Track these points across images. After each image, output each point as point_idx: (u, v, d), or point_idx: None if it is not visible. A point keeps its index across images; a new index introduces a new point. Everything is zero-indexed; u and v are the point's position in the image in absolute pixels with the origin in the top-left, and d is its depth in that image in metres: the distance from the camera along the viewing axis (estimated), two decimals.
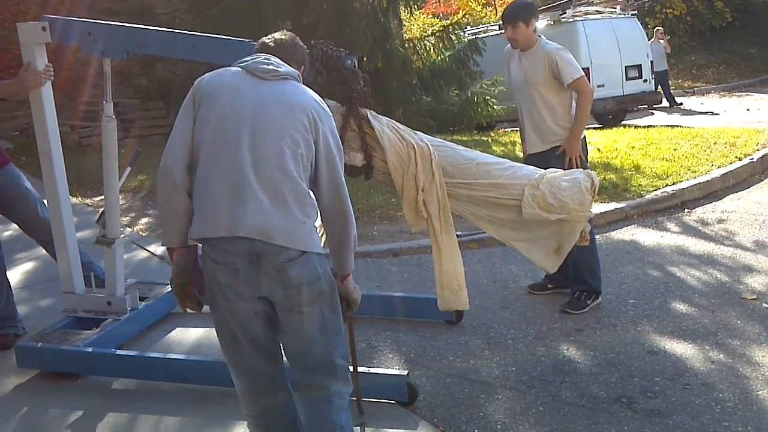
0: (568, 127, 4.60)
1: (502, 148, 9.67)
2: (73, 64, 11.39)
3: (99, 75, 4.09)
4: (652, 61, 14.27)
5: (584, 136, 4.71)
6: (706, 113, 14.77)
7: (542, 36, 4.68)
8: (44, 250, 4.66)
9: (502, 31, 4.76)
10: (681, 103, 16.37)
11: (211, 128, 2.47)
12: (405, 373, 3.49)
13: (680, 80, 19.90)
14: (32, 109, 4.10)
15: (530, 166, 3.93)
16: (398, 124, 3.76)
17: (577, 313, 4.53)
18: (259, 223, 2.36)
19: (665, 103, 15.67)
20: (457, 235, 5.80)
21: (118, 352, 3.98)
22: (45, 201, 4.33)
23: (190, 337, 4.48)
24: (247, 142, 2.42)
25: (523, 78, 4.66)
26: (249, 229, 2.36)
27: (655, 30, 17.30)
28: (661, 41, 16.78)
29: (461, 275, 3.69)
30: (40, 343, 3.97)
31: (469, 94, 12.55)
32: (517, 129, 5.15)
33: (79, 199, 8.22)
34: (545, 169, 4.06)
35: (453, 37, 13.10)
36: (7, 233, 5.91)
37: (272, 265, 2.39)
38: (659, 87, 16.20)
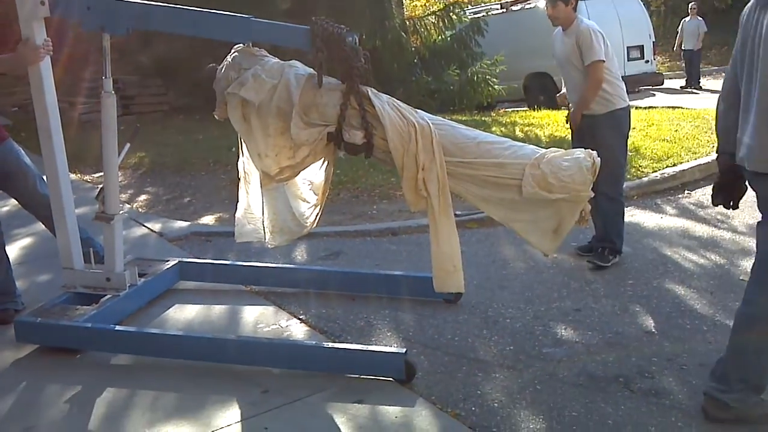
0: (610, 94, 4.86)
1: (503, 128, 9.64)
2: (73, 40, 11.31)
3: (99, 51, 4.06)
4: (654, 42, 14.20)
5: (625, 112, 4.99)
6: None
7: (580, 16, 5.00)
8: (43, 226, 4.66)
9: (506, 9, 5.08)
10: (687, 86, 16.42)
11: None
12: (403, 350, 3.50)
13: (681, 62, 19.76)
14: (31, 85, 4.08)
15: (531, 146, 3.92)
16: (399, 102, 3.75)
17: (602, 264, 4.89)
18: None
19: (666, 84, 15.61)
20: (456, 215, 5.81)
21: (117, 327, 3.99)
22: (44, 177, 4.32)
23: (188, 313, 4.49)
24: None
25: (564, 55, 4.99)
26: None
27: (689, 7, 17.15)
28: (699, 18, 16.62)
29: (457, 256, 3.68)
30: (39, 318, 3.98)
31: (470, 74, 12.50)
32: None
33: (78, 175, 8.21)
34: (591, 134, 4.42)
35: (453, 17, 13.04)
36: (5, 209, 5.91)
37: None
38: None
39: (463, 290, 3.84)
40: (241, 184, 4.27)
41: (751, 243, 5.21)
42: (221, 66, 3.87)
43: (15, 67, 4.22)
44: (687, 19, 16.87)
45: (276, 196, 4.15)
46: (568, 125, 5.22)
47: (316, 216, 4.17)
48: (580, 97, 4.92)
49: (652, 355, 3.67)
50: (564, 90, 5.30)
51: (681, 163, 7.31)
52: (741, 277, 4.62)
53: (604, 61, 4.81)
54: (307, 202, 4.18)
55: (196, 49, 12.07)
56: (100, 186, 4.29)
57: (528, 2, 14.23)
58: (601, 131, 4.83)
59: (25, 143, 4.73)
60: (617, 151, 4.89)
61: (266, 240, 4.21)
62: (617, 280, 4.69)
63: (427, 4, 21.33)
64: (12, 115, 11.92)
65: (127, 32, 3.91)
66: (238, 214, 4.32)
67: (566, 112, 5.28)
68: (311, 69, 3.73)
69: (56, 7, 3.93)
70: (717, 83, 16.79)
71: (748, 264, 4.80)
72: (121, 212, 4.31)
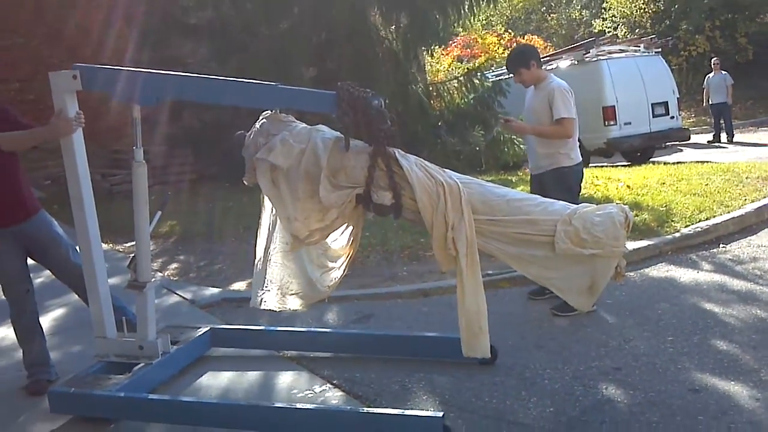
0: (559, 153, 5.16)
1: (528, 187, 9.60)
2: (104, 112, 11.58)
3: (129, 122, 4.14)
4: (678, 98, 14.22)
5: (581, 167, 5.33)
6: None
7: (552, 74, 5.34)
8: (76, 296, 4.68)
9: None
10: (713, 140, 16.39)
11: None
12: (440, 414, 3.41)
13: (706, 116, 19.77)
14: (63, 156, 4.15)
15: (562, 202, 3.90)
16: (427, 162, 3.76)
17: (564, 315, 4.98)
18: None
19: (693, 139, 15.54)
20: (488, 274, 5.78)
21: (150, 396, 3.96)
22: (77, 247, 4.36)
23: (221, 380, 4.45)
24: None
25: (531, 107, 5.33)
26: None
27: (713, 62, 17.25)
28: (723, 72, 16.70)
29: (484, 317, 3.61)
30: (72, 389, 3.96)
31: (495, 134, 12.57)
32: None
33: (110, 245, 8.28)
34: (545, 188, 4.21)
35: (476, 81, 13.20)
36: (39, 280, 5.94)
37: None
38: (721, 120, 16.27)
39: (489, 355, 3.73)
40: (258, 248, 4.26)
41: None
42: (250, 133, 3.93)
43: (48, 139, 4.30)
44: (711, 74, 16.94)
45: (294, 259, 4.14)
46: (502, 124, 5.56)
47: (335, 280, 4.15)
48: (543, 128, 5.17)
49: (698, 414, 3.55)
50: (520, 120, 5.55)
51: (714, 216, 7.20)
52: None
53: (575, 119, 5.12)
54: (325, 267, 4.17)
55: (224, 120, 12.31)
56: (132, 255, 4.31)
57: (549, 63, 14.38)
58: (549, 186, 5.13)
59: (57, 215, 4.78)
60: None
61: (279, 305, 4.19)
62: (657, 338, 4.58)
63: (449, 69, 21.68)
64: (45, 188, 12.12)
65: (156, 102, 3.98)
66: (256, 279, 4.30)
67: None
68: (338, 132, 3.77)
69: (88, 80, 4.02)
70: (744, 137, 16.76)
71: None
72: (152, 280, 4.32)
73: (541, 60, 5.39)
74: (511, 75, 5.38)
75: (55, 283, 4.78)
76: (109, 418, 3.93)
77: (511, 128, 5.37)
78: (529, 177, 5.69)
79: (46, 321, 5.43)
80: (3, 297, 4.45)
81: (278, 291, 4.19)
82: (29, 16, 13.90)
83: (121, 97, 4.00)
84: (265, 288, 4.23)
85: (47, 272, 4.66)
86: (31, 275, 4.49)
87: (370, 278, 6.35)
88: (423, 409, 3.81)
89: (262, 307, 4.25)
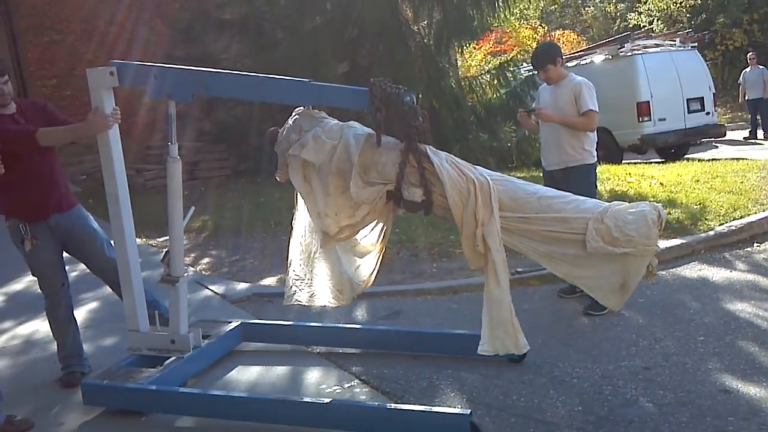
0: (584, 149, 5.24)
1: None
2: (140, 108, 11.72)
3: (161, 118, 4.20)
4: (714, 93, 13.98)
5: (595, 166, 5.42)
6: None
7: (572, 72, 5.45)
8: (110, 290, 4.75)
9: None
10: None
11: None
12: (468, 411, 3.41)
13: (742, 112, 19.44)
14: (100, 151, 4.22)
15: (593, 200, 3.87)
16: (458, 159, 3.75)
17: (596, 314, 4.96)
18: None
19: (729, 135, 15.29)
20: (517, 272, 5.77)
21: (182, 389, 4.01)
22: (112, 241, 4.43)
23: (251, 374, 4.50)
24: None
25: (552, 103, 5.36)
26: None
27: (749, 57, 16.99)
28: (760, 67, 16.44)
29: (512, 313, 3.61)
30: (105, 381, 4.03)
31: (526, 131, 12.51)
32: None
33: (144, 240, 8.39)
34: (563, 184, 4.44)
35: (509, 74, 13.12)
36: (74, 273, 6.06)
37: None
38: (758, 116, 16.01)
39: (522, 350, 3.72)
40: (293, 246, 4.29)
41: None
42: (282, 129, 3.95)
43: (85, 135, 4.37)
44: (748, 69, 16.66)
45: (336, 256, 4.17)
46: (523, 116, 5.68)
47: (368, 275, 4.17)
48: (569, 118, 5.21)
49: (729, 415, 3.51)
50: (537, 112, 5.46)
51: (749, 215, 7.09)
52: None
53: (598, 112, 5.20)
54: (355, 264, 4.19)
55: (257, 116, 12.39)
56: (165, 249, 4.36)
57: (583, 58, 14.24)
58: (573, 181, 5.05)
59: (93, 210, 4.86)
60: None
61: (318, 302, 4.22)
62: (687, 337, 4.53)
63: (481, 64, 21.58)
64: (81, 182, 12.30)
65: (192, 99, 4.03)
66: (290, 276, 4.33)
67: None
68: (369, 129, 3.78)
69: (124, 77, 4.08)
70: None
71: None
72: (185, 275, 4.37)
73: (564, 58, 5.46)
74: (536, 72, 5.41)
75: (90, 277, 4.86)
76: (140, 411, 3.99)
77: (540, 116, 5.33)
78: None
79: (81, 314, 5.52)
80: (39, 290, 4.54)
81: (317, 288, 4.22)
82: (66, 12, 14.12)
83: (157, 93, 4.05)
84: (306, 284, 4.26)
85: (82, 266, 4.74)
86: (66, 269, 4.57)
87: (399, 275, 6.37)
88: (451, 406, 3.82)
89: (296, 302, 4.28)
